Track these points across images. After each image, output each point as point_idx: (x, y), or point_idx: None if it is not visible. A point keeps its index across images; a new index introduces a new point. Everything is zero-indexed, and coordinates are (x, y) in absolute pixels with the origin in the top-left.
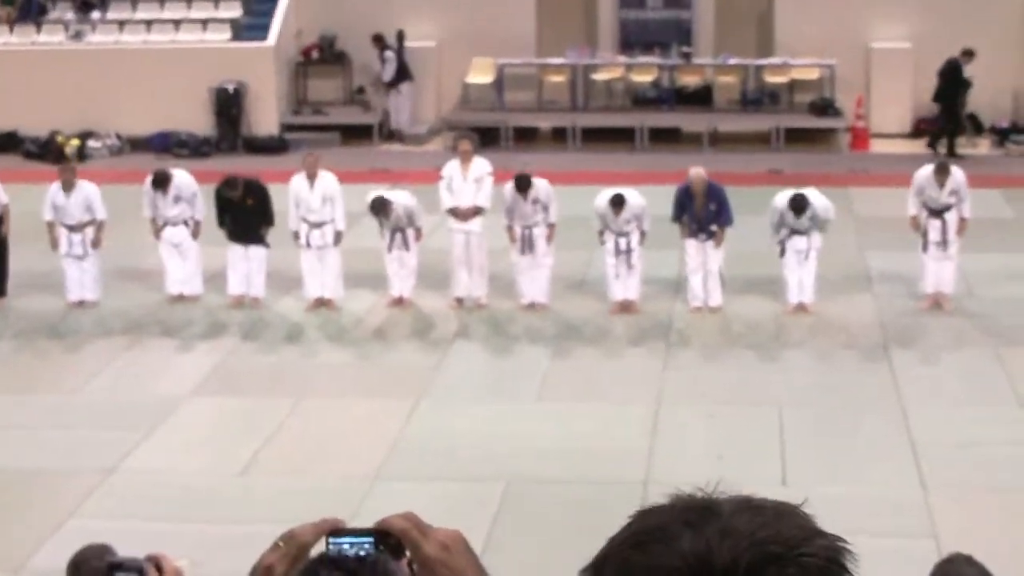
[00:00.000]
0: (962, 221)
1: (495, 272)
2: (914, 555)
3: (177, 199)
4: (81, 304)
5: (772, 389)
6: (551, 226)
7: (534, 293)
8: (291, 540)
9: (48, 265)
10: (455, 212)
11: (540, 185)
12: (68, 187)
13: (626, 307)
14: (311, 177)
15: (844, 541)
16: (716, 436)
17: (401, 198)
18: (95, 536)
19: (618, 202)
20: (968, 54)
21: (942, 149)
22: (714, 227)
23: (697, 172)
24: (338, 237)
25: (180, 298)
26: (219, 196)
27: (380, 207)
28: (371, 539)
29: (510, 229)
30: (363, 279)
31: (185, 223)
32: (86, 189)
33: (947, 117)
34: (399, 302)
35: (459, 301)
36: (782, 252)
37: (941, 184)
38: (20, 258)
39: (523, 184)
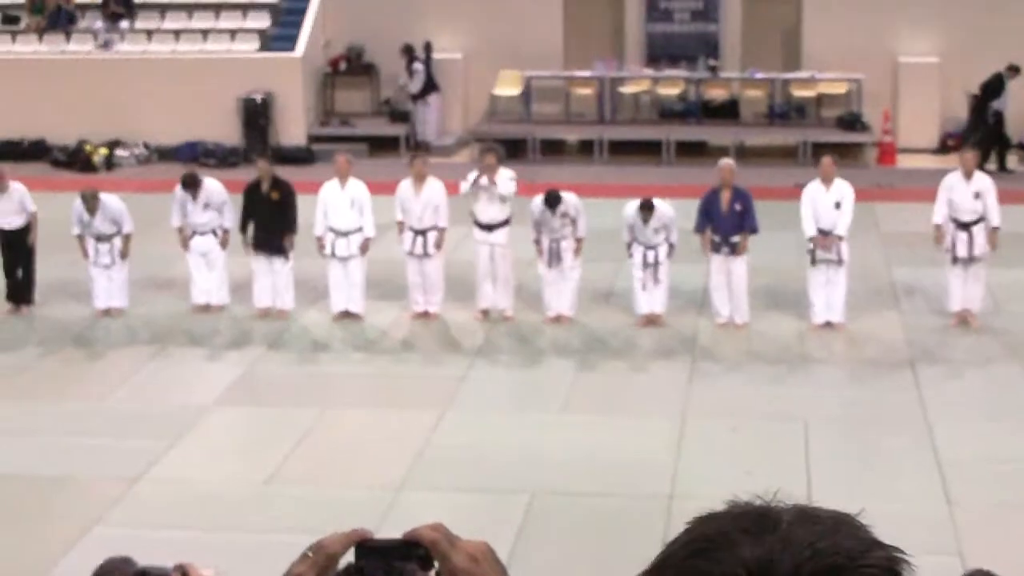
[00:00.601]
0: (993, 232)
1: (521, 284)
2: (939, 572)
3: (207, 206)
4: (108, 312)
5: (798, 404)
6: (579, 240)
7: (560, 306)
8: (320, 550)
9: (76, 273)
10: (479, 223)
11: (569, 199)
12: (92, 212)
13: (652, 320)
14: (342, 179)
15: (903, 553)
16: (741, 451)
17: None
18: (120, 544)
19: (647, 207)
20: (1014, 69)
21: (992, 166)
22: (737, 238)
23: (726, 162)
24: (366, 245)
25: (206, 308)
26: (246, 192)
27: (554, 201)
28: (400, 549)
29: (538, 243)
30: (388, 290)
31: (214, 232)
32: (110, 205)
33: (990, 132)
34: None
35: (484, 313)
36: (813, 262)
37: (968, 176)
38: (48, 266)
39: (553, 201)
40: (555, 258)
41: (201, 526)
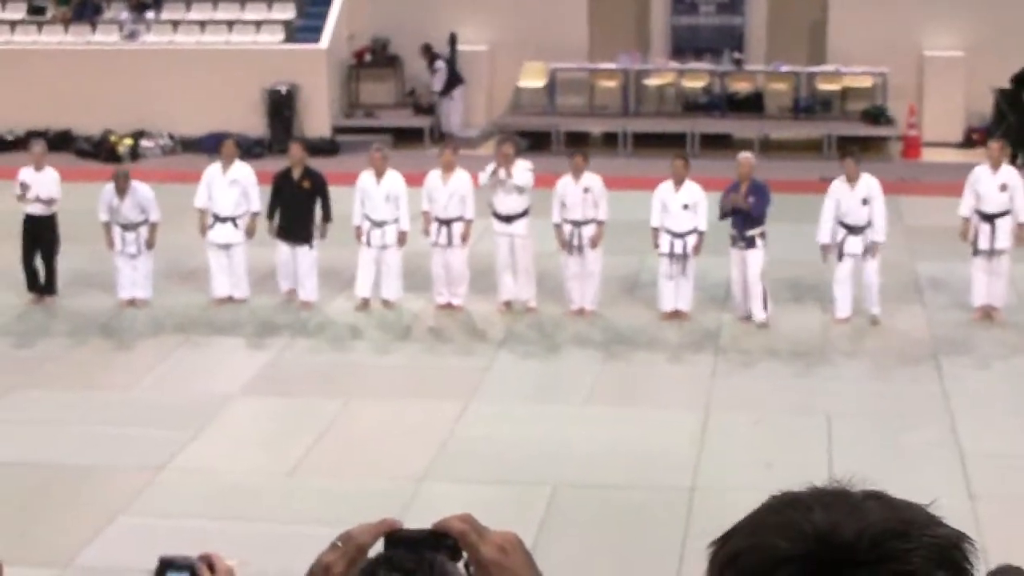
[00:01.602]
0: (1019, 227)
1: (542, 275)
2: None
3: (233, 182)
4: (132, 303)
5: (820, 398)
6: (600, 224)
7: (583, 299)
8: (349, 540)
9: (101, 264)
10: (498, 214)
11: (594, 179)
12: (122, 193)
13: (676, 316)
14: (378, 174)
15: (968, 536)
16: (763, 444)
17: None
18: (144, 533)
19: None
20: None
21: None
22: (752, 231)
23: (744, 155)
24: (402, 238)
25: (228, 300)
26: (276, 179)
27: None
28: (429, 540)
29: (559, 228)
30: (414, 282)
31: (234, 222)
32: (140, 191)
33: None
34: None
35: (507, 305)
36: (840, 256)
37: (995, 168)
38: (73, 257)
39: (586, 156)
40: (576, 246)
41: (225, 516)
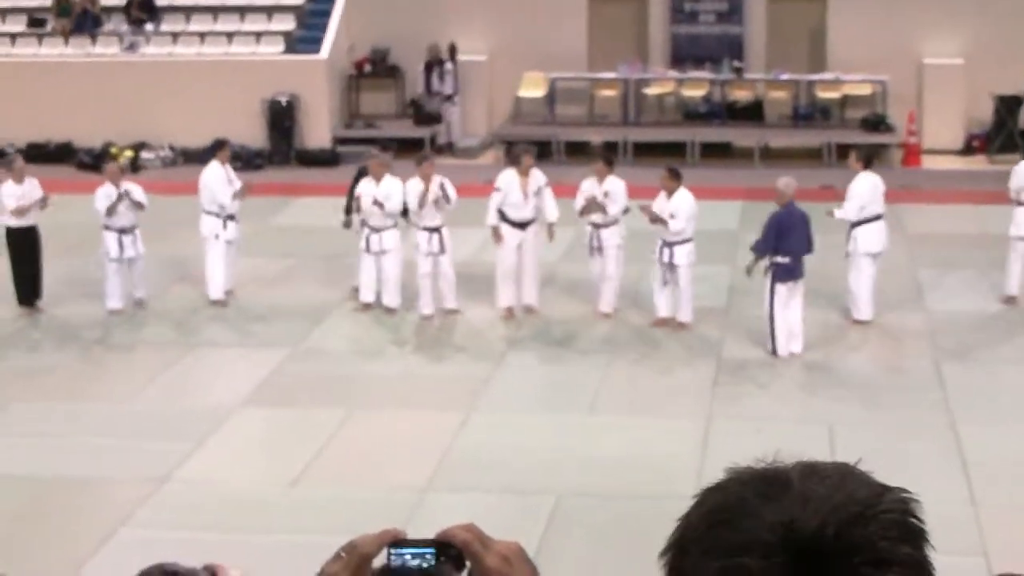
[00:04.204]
0: None
1: (545, 281)
2: (964, 573)
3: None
4: (121, 312)
5: (822, 405)
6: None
7: (601, 304)
8: (353, 550)
9: (95, 274)
10: (511, 222)
11: (616, 184)
12: (116, 185)
13: (667, 323)
14: (376, 179)
15: (910, 492)
16: (766, 452)
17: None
18: (146, 546)
19: (675, 174)
20: None
21: None
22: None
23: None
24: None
25: (229, 294)
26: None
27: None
28: (433, 550)
29: (588, 201)
30: (414, 290)
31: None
32: (134, 189)
33: None
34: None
35: (509, 311)
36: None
37: None
38: (68, 266)
39: (609, 161)
40: (597, 248)
41: (228, 528)
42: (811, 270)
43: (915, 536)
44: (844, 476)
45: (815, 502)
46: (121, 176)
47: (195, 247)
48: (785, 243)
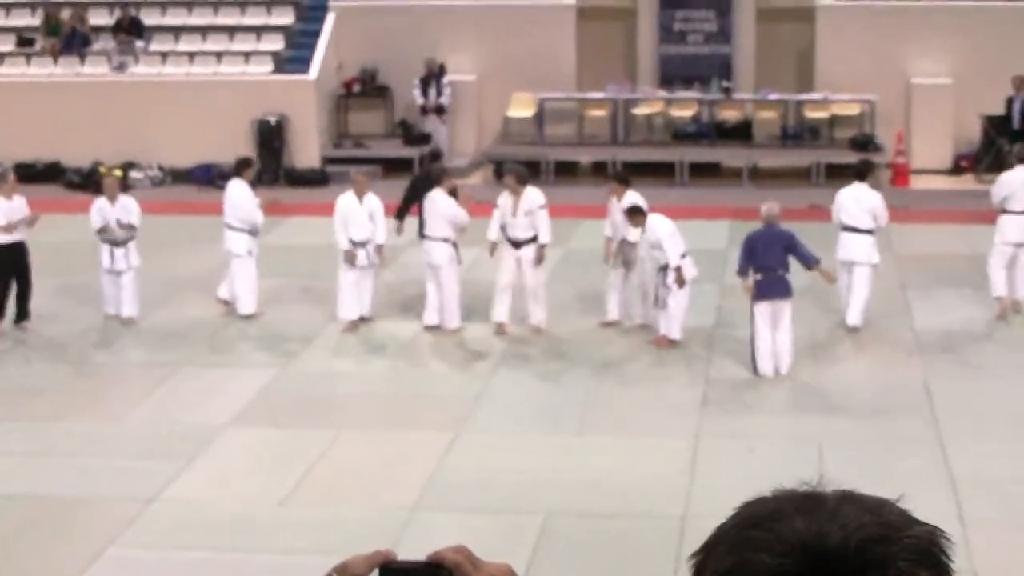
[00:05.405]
0: None
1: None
2: None
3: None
4: (117, 318)
5: (811, 425)
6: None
7: (614, 312)
8: (344, 571)
9: (89, 293)
10: (510, 239)
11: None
12: (112, 199)
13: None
14: (359, 194)
15: (942, 530)
16: (755, 472)
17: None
18: (135, 566)
19: (635, 211)
20: None
21: None
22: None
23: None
24: (379, 251)
25: (224, 304)
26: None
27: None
28: (423, 571)
29: (608, 240)
30: (410, 305)
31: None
32: (127, 200)
33: None
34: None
35: (501, 326)
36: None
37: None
38: (63, 286)
39: (623, 180)
40: (622, 260)
41: (217, 547)
42: (802, 294)
43: (936, 565)
44: (881, 504)
45: (844, 519)
46: (118, 190)
47: (184, 267)
48: (759, 261)
